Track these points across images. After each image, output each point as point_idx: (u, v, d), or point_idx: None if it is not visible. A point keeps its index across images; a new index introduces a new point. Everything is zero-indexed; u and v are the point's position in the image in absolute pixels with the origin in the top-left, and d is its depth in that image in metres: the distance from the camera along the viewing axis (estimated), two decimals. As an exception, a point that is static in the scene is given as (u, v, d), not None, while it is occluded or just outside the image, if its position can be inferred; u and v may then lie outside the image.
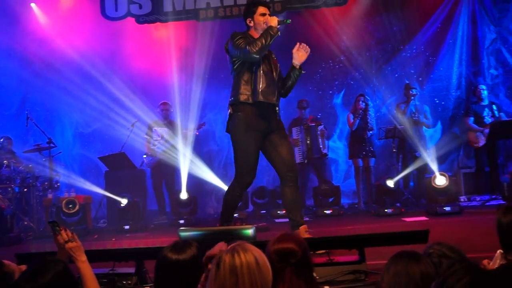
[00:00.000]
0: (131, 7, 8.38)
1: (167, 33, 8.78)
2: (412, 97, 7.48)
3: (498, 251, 2.48)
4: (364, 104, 7.57)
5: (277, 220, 7.17)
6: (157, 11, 8.34)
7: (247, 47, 4.17)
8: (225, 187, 7.81)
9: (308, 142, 7.70)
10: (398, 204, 6.99)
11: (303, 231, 4.21)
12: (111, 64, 8.67)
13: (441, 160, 8.36)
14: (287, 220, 7.04)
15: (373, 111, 7.82)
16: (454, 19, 8.48)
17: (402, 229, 4.84)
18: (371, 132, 7.64)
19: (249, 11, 4.47)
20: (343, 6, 8.16)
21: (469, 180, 7.92)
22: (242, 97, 4.32)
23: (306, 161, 7.71)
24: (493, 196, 7.04)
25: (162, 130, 7.76)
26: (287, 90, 4.64)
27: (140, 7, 8.37)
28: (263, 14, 4.41)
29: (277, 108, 4.46)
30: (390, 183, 7.09)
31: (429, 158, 7.53)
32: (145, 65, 8.81)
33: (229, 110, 4.47)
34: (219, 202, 8.36)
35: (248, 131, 4.32)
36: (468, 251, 3.49)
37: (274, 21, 4.30)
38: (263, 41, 4.17)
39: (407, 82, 7.92)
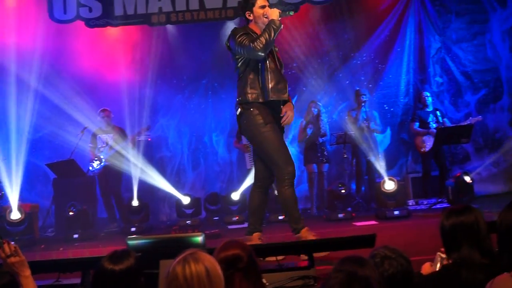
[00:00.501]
0: (80, 10, 8.15)
1: (119, 38, 8.64)
2: (363, 103, 7.66)
3: (437, 253, 2.56)
4: (316, 110, 7.69)
5: (230, 227, 7.16)
6: (107, 15, 8.16)
7: (251, 44, 3.99)
8: (177, 194, 7.76)
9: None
10: (349, 209, 7.10)
11: (305, 232, 4.10)
12: (60, 69, 8.44)
13: (390, 165, 8.59)
14: (240, 226, 7.12)
15: (325, 117, 7.93)
16: (401, 28, 8.75)
17: (352, 233, 4.94)
18: (324, 138, 7.75)
19: (248, 3, 4.27)
20: (294, 13, 8.24)
21: (417, 184, 8.16)
22: (251, 97, 4.17)
23: None
24: (440, 200, 7.27)
25: (107, 137, 7.62)
26: None
27: (90, 10, 8.17)
28: (263, 6, 4.23)
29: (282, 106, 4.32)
30: (341, 188, 7.13)
31: (379, 163, 7.72)
32: (96, 70, 8.62)
33: (239, 110, 4.28)
34: (171, 208, 8.28)
35: (268, 123, 4.14)
36: (415, 254, 3.60)
37: (275, 13, 4.12)
38: (267, 37, 3.99)
39: (358, 88, 8.10)
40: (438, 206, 7.13)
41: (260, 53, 4.01)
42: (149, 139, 8.24)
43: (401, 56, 8.81)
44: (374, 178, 7.63)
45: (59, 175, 7.67)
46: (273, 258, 3.36)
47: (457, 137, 7.30)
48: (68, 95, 8.26)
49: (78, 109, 8.23)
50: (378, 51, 8.82)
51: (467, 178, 6.91)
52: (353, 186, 7.96)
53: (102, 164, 7.50)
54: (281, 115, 4.24)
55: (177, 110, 9.02)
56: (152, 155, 8.76)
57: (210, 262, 1.80)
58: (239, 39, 4.07)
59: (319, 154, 7.69)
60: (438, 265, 2.51)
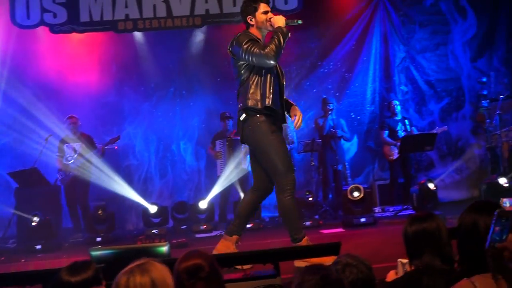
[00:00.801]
0: (44, 16, 7.98)
1: (84, 44, 8.50)
2: (330, 112, 7.74)
3: (398, 260, 2.59)
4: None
5: (197, 235, 7.10)
6: (73, 21, 8.02)
7: (262, 51, 3.92)
8: (144, 203, 7.67)
9: (230, 156, 7.71)
10: (316, 216, 7.14)
11: (307, 243, 4.05)
12: (23, 74, 8.26)
13: (357, 173, 8.71)
14: (208, 234, 7.07)
15: (292, 125, 7.96)
16: (367, 37, 8.91)
17: (319, 241, 4.94)
18: (291, 145, 7.79)
19: (250, 8, 4.18)
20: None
21: (384, 192, 8.27)
22: (257, 103, 4.05)
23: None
24: (405, 207, 7.38)
25: (75, 145, 7.48)
26: None
27: (55, 16, 8.02)
28: (266, 12, 4.15)
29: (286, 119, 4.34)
30: (308, 196, 7.18)
31: (347, 170, 7.81)
32: (61, 76, 8.47)
33: (243, 115, 4.13)
34: (138, 217, 8.16)
35: (274, 131, 4.10)
36: (380, 261, 3.65)
37: (281, 20, 4.06)
38: (277, 43, 3.94)
39: (325, 97, 8.18)
40: (403, 213, 7.23)
41: (271, 61, 3.96)
42: (116, 147, 8.12)
43: (367, 65, 8.96)
44: (341, 185, 7.70)
45: (22, 184, 7.47)
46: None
47: (421, 145, 7.44)
48: (31, 102, 8.08)
49: (42, 116, 8.06)
50: (345, 60, 8.94)
51: (431, 185, 7.04)
52: (321, 194, 8.02)
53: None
54: (292, 119, 4.31)
55: (144, 118, 8.92)
56: (119, 164, 8.65)
57: (159, 273, 1.77)
58: (247, 46, 3.98)
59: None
60: (401, 272, 2.54)
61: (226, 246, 4.21)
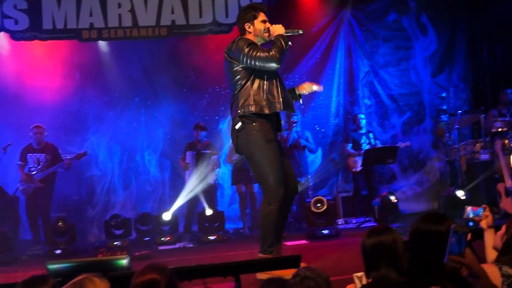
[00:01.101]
0: (5, 22, 7.79)
1: (47, 51, 8.33)
2: (294, 124, 7.80)
3: (353, 275, 2.63)
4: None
5: (161, 248, 7.02)
6: (35, 28, 7.86)
7: (267, 54, 3.86)
8: (107, 214, 7.54)
9: (198, 168, 7.69)
10: (280, 228, 7.15)
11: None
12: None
13: (321, 185, 8.79)
14: (171, 246, 7.01)
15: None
16: (332, 51, 9.05)
17: (282, 253, 4.95)
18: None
19: (250, 15, 4.13)
20: (228, 34, 8.35)
21: (347, 204, 8.36)
22: (255, 108, 3.96)
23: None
24: (367, 219, 7.49)
25: (39, 156, 7.32)
26: None
27: (16, 22, 7.84)
28: (264, 21, 4.12)
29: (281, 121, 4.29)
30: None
31: (310, 183, 7.87)
32: (22, 84, 8.27)
33: (239, 124, 4.04)
34: (100, 229, 8.03)
35: (269, 142, 4.00)
36: (342, 273, 3.69)
37: (281, 29, 4.02)
38: (280, 46, 3.89)
39: (289, 109, 8.23)
40: (366, 225, 7.33)
41: (276, 64, 3.90)
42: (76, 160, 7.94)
43: (332, 78, 9.09)
44: (304, 197, 7.75)
45: (-23, 195, 7.25)
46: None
47: (384, 158, 7.59)
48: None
49: (2, 124, 7.86)
50: (310, 73, 9.04)
51: (392, 198, 7.18)
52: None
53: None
54: (304, 91, 4.35)
55: (108, 128, 8.79)
56: (81, 174, 8.49)
57: None
58: (248, 50, 3.90)
59: (250, 174, 7.73)
60: (359, 285, 2.57)
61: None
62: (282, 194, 4.00)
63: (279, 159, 4.05)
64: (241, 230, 7.95)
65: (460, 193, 7.03)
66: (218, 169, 7.98)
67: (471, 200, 6.89)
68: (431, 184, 9.15)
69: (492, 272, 2.24)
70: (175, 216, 7.66)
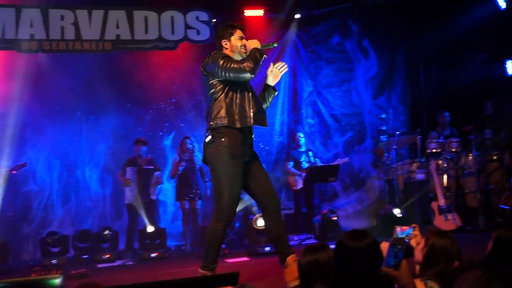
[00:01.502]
0: None
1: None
2: (239, 142, 7.84)
3: None
4: (191, 146, 7.75)
5: (99, 265, 6.83)
6: (-30, 37, 7.58)
7: (241, 65, 3.91)
8: (43, 231, 7.28)
9: (139, 184, 7.57)
10: (223, 246, 7.13)
11: (291, 261, 3.97)
12: None
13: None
14: (111, 264, 6.84)
15: (200, 153, 8.00)
16: (277, 71, 9.19)
17: (223, 270, 4.94)
18: (197, 173, 7.79)
19: (226, 32, 4.20)
20: (174, 50, 8.35)
21: (289, 221, 8.43)
22: (227, 121, 3.97)
23: (135, 203, 7.56)
24: (308, 236, 7.60)
25: None
26: None
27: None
28: (241, 38, 4.19)
29: (253, 135, 4.23)
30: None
31: (253, 200, 7.89)
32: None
33: (208, 137, 4.04)
34: (36, 247, 7.73)
35: (235, 159, 3.97)
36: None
37: (256, 43, 4.09)
38: (254, 58, 3.95)
39: (234, 126, 8.29)
40: (307, 242, 7.43)
41: (250, 74, 3.93)
42: (14, 172, 7.66)
43: (276, 97, 9.17)
44: (247, 215, 7.78)
45: None
46: None
47: (326, 176, 7.75)
48: None
49: None
50: (256, 91, 9.12)
51: (333, 215, 7.33)
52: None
53: None
54: (276, 71, 4.35)
55: (48, 142, 8.53)
56: (17, 189, 8.16)
57: None
58: (223, 62, 3.95)
59: (193, 190, 7.71)
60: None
61: (288, 272, 4.05)
62: (232, 215, 4.04)
63: (240, 178, 4.03)
64: (183, 247, 7.87)
65: (397, 211, 7.28)
66: (160, 186, 7.89)
67: (407, 217, 7.15)
68: (371, 202, 9.40)
69: (418, 287, 2.34)
70: (115, 233, 7.50)
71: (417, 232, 2.83)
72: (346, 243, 2.13)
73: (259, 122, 4.12)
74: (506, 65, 7.48)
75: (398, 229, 2.89)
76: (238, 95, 4.06)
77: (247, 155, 4.14)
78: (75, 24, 7.87)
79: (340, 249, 2.18)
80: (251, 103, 4.08)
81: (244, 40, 4.19)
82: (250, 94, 4.13)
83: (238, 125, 4.01)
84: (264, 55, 4.05)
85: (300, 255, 2.68)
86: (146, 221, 7.47)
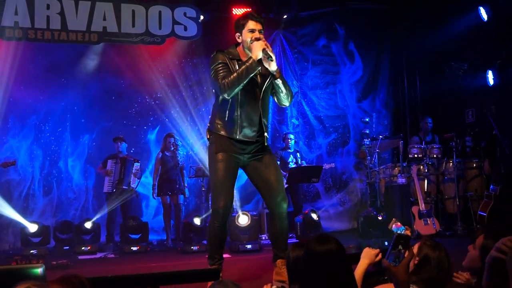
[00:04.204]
0: None
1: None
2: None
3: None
4: (175, 143, 7.77)
5: (80, 257, 6.81)
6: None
7: (220, 82, 3.68)
8: (23, 221, 7.23)
9: (120, 172, 7.60)
10: (204, 242, 7.17)
11: (280, 264, 3.92)
12: None
13: (247, 200, 8.90)
14: (92, 256, 6.82)
15: (184, 150, 8.05)
16: (263, 70, 9.24)
17: (203, 266, 4.99)
18: (178, 169, 7.82)
19: (238, 24, 3.90)
20: (161, 45, 8.34)
21: (272, 219, 8.50)
22: (216, 127, 3.92)
23: (114, 191, 7.57)
24: (291, 235, 7.65)
25: None
26: (278, 100, 4.03)
27: None
28: (252, 30, 3.83)
29: (265, 134, 3.97)
30: (197, 220, 7.28)
31: (236, 197, 7.94)
32: None
33: (207, 135, 4.06)
34: (16, 237, 7.68)
35: (218, 152, 3.90)
36: (259, 286, 3.78)
37: (258, 48, 3.68)
38: (236, 77, 3.65)
39: (219, 124, 8.31)
40: (288, 241, 7.48)
41: (225, 96, 3.72)
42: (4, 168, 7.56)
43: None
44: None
45: None
46: None
47: (308, 176, 7.82)
48: None
49: None
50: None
51: (314, 216, 7.41)
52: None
53: None
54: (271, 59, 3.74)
55: (30, 131, 8.47)
56: (-3, 178, 8.10)
57: None
58: (213, 69, 3.81)
59: (177, 186, 7.73)
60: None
61: (275, 273, 4.03)
62: (219, 209, 3.88)
63: (222, 171, 3.88)
64: (165, 242, 7.89)
65: (378, 214, 7.38)
66: (138, 180, 7.90)
67: (387, 221, 7.24)
68: (352, 204, 9.49)
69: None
70: (97, 224, 7.49)
71: (408, 232, 2.87)
72: (311, 246, 2.17)
73: (244, 136, 3.90)
74: (487, 75, 7.63)
75: (395, 223, 2.93)
76: (230, 102, 3.83)
77: (247, 151, 3.97)
78: (61, 14, 7.82)
79: (306, 251, 2.21)
80: (243, 115, 3.85)
81: (254, 34, 3.82)
82: (242, 102, 3.84)
83: (223, 133, 3.92)
84: (257, 69, 3.68)
85: (288, 250, 2.76)
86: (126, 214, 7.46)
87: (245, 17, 3.91)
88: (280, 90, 3.92)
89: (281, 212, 4.02)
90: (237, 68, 3.79)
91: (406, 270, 2.01)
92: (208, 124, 4.08)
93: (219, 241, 4.08)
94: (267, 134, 4.02)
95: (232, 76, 3.69)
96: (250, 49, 3.80)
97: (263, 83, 3.90)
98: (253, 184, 4.13)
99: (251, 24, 3.86)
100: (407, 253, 2.04)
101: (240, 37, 3.92)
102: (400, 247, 2.05)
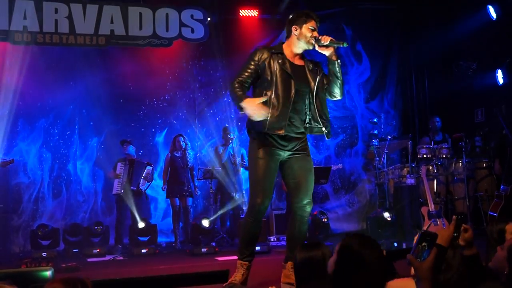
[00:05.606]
0: None
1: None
2: (230, 140, 7.88)
3: None
4: (184, 144, 7.78)
5: (89, 260, 6.83)
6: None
7: (233, 81, 3.88)
8: (34, 224, 7.28)
9: (129, 174, 7.61)
10: (213, 243, 7.18)
11: (290, 267, 3.95)
12: None
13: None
14: (101, 259, 6.84)
15: (192, 152, 8.06)
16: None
17: (213, 268, 4.99)
18: (188, 171, 7.82)
19: (300, 19, 4.00)
20: (168, 48, 8.36)
21: (280, 221, 8.47)
22: (257, 123, 3.86)
23: (122, 191, 7.56)
24: (298, 236, 7.63)
25: None
26: (331, 91, 4.06)
27: None
28: (313, 29, 3.98)
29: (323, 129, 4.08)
30: (206, 222, 7.28)
31: (245, 199, 7.95)
32: None
33: (247, 131, 4.09)
34: (26, 239, 7.73)
35: (260, 148, 3.91)
36: (266, 288, 3.77)
37: (326, 39, 3.90)
38: (232, 97, 3.88)
39: (226, 125, 8.34)
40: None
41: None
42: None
43: (270, 97, 9.23)
44: (238, 213, 7.82)
45: None
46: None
47: (316, 178, 7.75)
48: None
49: None
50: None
51: (323, 217, 7.38)
52: (218, 221, 8.08)
53: None
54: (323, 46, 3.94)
55: (40, 135, 8.52)
56: (7, 181, 8.13)
57: None
58: (243, 65, 3.96)
59: (185, 188, 7.73)
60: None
61: (284, 275, 4.08)
62: (254, 206, 3.93)
63: (264, 173, 3.90)
64: (173, 244, 7.89)
65: (387, 215, 7.34)
66: (148, 183, 7.89)
67: (397, 221, 7.21)
68: (361, 205, 9.46)
69: (410, 285, 2.37)
70: (106, 227, 7.51)
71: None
72: (299, 252, 2.14)
73: (272, 130, 3.87)
74: (497, 74, 7.57)
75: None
76: (272, 98, 3.85)
77: (287, 148, 3.99)
78: (69, 17, 7.87)
79: (300, 261, 2.20)
80: (270, 107, 3.83)
81: (315, 33, 3.98)
82: (276, 95, 3.86)
83: (267, 130, 3.88)
84: (242, 108, 3.73)
85: (295, 252, 2.73)
86: (135, 213, 7.46)
87: (308, 15, 4.04)
88: (336, 77, 4.01)
89: (304, 216, 4.09)
90: (276, 66, 3.89)
91: (430, 267, 1.99)
92: (248, 120, 4.00)
93: (250, 236, 4.12)
94: (325, 128, 4.13)
95: (235, 91, 3.82)
96: (307, 43, 3.96)
97: (314, 81, 4.01)
98: (283, 180, 4.18)
99: (313, 23, 4.01)
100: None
101: (298, 30, 4.00)
102: (424, 243, 2.03)
